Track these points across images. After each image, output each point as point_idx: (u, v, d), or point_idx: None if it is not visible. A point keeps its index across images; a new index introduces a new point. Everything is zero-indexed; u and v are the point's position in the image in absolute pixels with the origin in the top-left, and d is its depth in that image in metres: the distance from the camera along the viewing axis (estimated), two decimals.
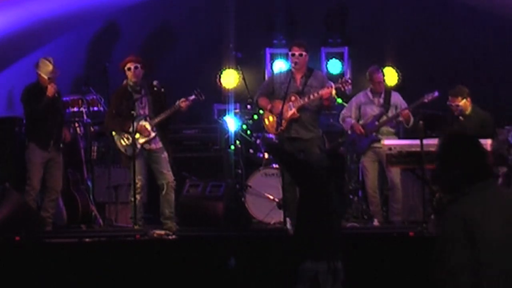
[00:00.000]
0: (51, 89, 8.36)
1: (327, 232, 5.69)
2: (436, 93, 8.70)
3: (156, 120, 8.43)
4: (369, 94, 9.16)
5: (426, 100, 8.77)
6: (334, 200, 5.83)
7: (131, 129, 8.26)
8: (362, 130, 8.98)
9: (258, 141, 9.97)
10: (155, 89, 8.43)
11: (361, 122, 9.11)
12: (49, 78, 8.42)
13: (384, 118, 9.06)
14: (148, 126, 8.41)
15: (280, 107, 8.31)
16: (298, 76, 8.44)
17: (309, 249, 5.66)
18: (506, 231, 3.52)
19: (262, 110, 8.63)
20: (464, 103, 8.73)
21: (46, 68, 8.47)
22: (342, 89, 8.44)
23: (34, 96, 8.42)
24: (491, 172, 3.75)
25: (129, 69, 8.44)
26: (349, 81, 8.46)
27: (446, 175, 3.70)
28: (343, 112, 9.32)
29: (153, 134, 8.43)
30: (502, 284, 3.48)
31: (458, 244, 3.48)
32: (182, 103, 8.39)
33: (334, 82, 8.42)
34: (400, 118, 8.98)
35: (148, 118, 8.45)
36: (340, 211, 6.12)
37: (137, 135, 8.35)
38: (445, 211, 3.67)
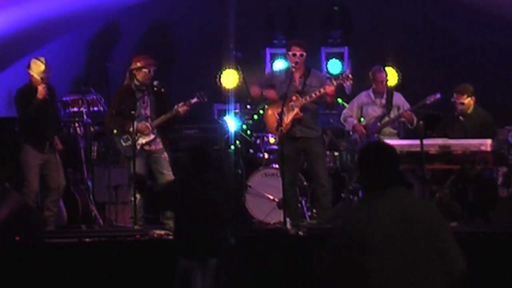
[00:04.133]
0: (41, 91, 8.26)
1: (200, 230, 5.91)
2: (438, 95, 8.68)
3: (155, 122, 8.43)
4: (371, 94, 9.12)
5: (428, 102, 8.73)
6: (212, 195, 5.99)
7: (131, 129, 8.26)
8: (364, 131, 8.93)
9: (258, 141, 9.98)
10: (156, 89, 8.41)
11: (363, 122, 9.09)
12: (41, 78, 8.34)
13: (386, 119, 9.02)
14: (149, 126, 8.42)
15: (273, 94, 8.33)
16: (297, 76, 8.39)
17: (182, 247, 6.02)
18: (398, 239, 3.59)
19: (253, 99, 8.57)
20: (468, 101, 8.70)
21: (38, 68, 8.38)
22: (344, 84, 8.43)
23: (26, 97, 8.37)
24: (397, 180, 3.77)
25: (144, 68, 8.39)
26: (350, 76, 8.40)
27: (360, 178, 3.92)
28: (344, 112, 9.27)
29: (152, 136, 8.43)
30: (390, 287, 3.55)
31: (342, 246, 3.62)
32: (180, 108, 8.38)
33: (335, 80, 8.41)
34: (403, 119, 8.95)
35: (149, 119, 8.45)
36: (223, 203, 6.16)
37: (137, 135, 8.35)
38: (345, 214, 3.85)
